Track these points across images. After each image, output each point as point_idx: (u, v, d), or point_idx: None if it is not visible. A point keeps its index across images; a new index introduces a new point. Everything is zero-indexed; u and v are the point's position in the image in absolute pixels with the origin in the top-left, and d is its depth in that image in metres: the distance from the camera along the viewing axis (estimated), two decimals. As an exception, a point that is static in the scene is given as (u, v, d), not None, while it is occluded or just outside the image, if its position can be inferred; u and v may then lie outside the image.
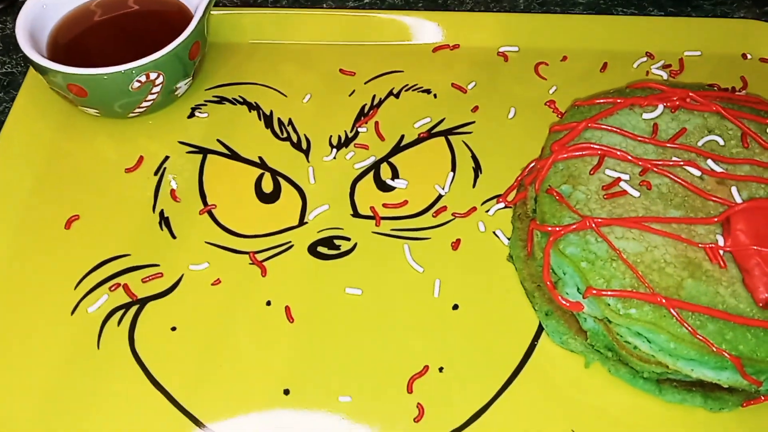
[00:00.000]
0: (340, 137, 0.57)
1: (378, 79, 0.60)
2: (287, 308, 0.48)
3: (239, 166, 0.55)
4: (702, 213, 0.45)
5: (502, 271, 0.50)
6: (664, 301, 0.41)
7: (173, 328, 0.47)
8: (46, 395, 0.45)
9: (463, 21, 0.63)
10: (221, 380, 0.45)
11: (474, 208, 0.53)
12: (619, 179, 0.46)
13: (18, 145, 0.56)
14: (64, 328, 0.47)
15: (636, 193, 0.45)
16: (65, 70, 0.52)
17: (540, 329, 0.47)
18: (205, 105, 0.59)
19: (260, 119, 0.58)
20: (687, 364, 0.42)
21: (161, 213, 0.53)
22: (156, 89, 0.55)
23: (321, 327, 0.47)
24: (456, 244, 0.51)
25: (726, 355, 0.40)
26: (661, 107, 0.49)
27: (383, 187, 0.54)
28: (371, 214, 0.52)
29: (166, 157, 0.56)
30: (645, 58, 0.61)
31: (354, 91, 0.60)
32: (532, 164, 0.53)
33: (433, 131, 0.57)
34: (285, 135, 0.57)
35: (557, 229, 0.45)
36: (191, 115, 0.58)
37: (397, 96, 0.59)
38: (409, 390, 0.45)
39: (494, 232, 0.52)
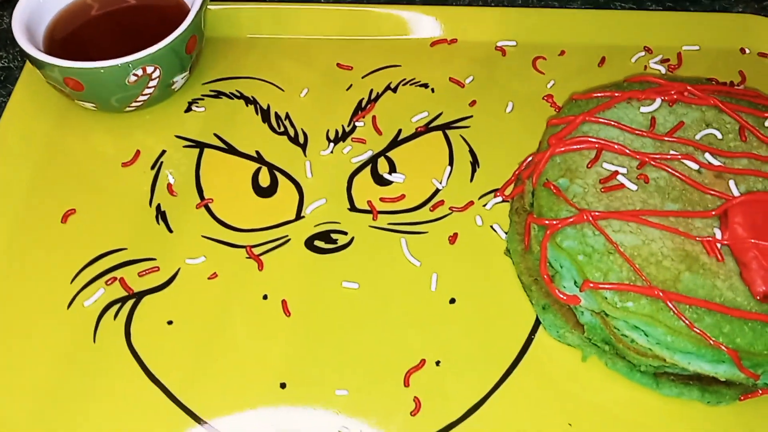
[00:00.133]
0: (337, 131, 0.57)
1: (375, 73, 0.60)
2: (284, 302, 0.48)
3: (236, 160, 0.55)
4: (699, 206, 0.45)
5: (500, 265, 0.50)
6: (661, 294, 0.41)
7: (170, 322, 0.47)
8: (42, 389, 0.45)
9: (461, 15, 0.63)
10: (217, 374, 0.45)
11: (471, 202, 0.53)
12: (616, 173, 0.46)
13: (15, 140, 0.56)
14: (60, 322, 0.47)
15: (633, 187, 0.45)
16: (62, 64, 0.52)
17: (537, 323, 0.47)
18: (202, 99, 0.59)
19: (257, 113, 0.58)
20: (684, 357, 0.42)
21: (158, 207, 0.52)
22: (153, 83, 0.54)
23: (318, 321, 0.47)
24: (453, 238, 0.51)
25: (723, 348, 0.40)
26: (658, 101, 0.49)
27: (380, 181, 0.54)
28: (368, 208, 0.52)
29: (163, 152, 0.55)
30: (643, 53, 0.61)
31: (351, 85, 0.59)
32: (530, 158, 0.53)
33: (430, 125, 0.57)
34: (282, 129, 0.57)
35: (554, 222, 0.44)
36: (188, 110, 0.58)
37: (394, 90, 0.59)
38: (406, 384, 0.45)
39: (491, 226, 0.51)
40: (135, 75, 0.53)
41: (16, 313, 0.47)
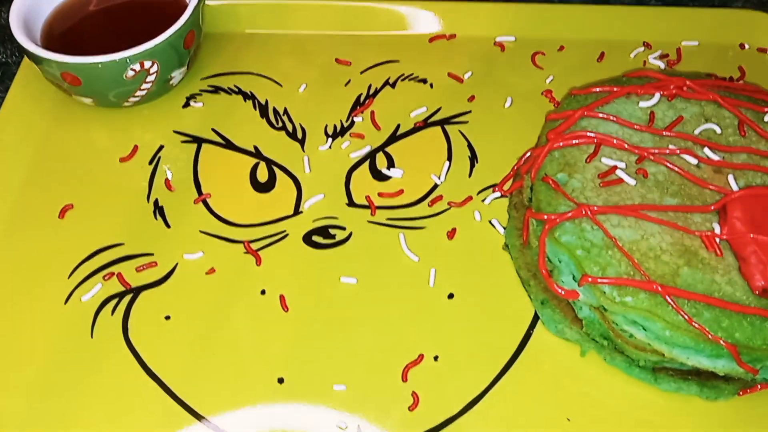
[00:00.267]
0: (335, 127, 0.56)
1: (374, 68, 0.60)
2: (282, 297, 0.48)
3: (234, 155, 0.55)
4: (698, 201, 0.45)
5: (498, 260, 0.50)
6: (659, 288, 0.41)
7: (167, 317, 0.47)
8: (40, 384, 0.44)
9: (460, 11, 0.63)
10: (215, 369, 0.45)
11: (470, 198, 0.53)
12: (615, 167, 0.46)
13: (12, 135, 0.56)
14: (57, 317, 0.47)
15: (632, 181, 0.45)
16: (59, 59, 0.52)
17: (535, 318, 0.47)
18: (200, 94, 0.59)
19: (255, 109, 0.58)
20: (683, 352, 0.42)
21: (156, 202, 0.52)
22: (150, 78, 0.54)
23: (316, 316, 0.47)
24: (451, 234, 0.51)
25: (722, 342, 0.40)
26: (657, 96, 0.49)
27: (379, 176, 0.54)
28: (366, 204, 0.52)
29: (161, 147, 0.55)
30: (642, 48, 0.61)
31: (350, 80, 0.59)
32: (528, 153, 0.53)
33: (429, 121, 0.57)
34: (280, 124, 0.57)
35: (553, 217, 0.44)
36: (186, 105, 0.58)
37: (393, 86, 0.59)
38: (404, 379, 0.45)
39: (490, 221, 0.51)
40: (133, 70, 0.53)
41: (13, 308, 0.47)
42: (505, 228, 0.51)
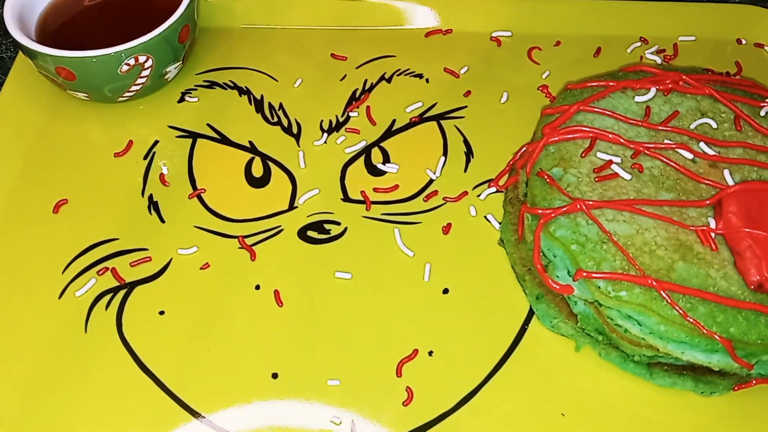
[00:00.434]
0: (331, 122, 0.56)
1: (370, 63, 0.60)
2: (276, 292, 0.48)
3: (229, 150, 0.55)
4: (694, 196, 0.44)
5: (493, 255, 0.50)
6: (654, 283, 0.41)
7: (161, 312, 0.47)
8: (33, 379, 0.44)
9: (457, 5, 0.63)
10: (209, 364, 0.45)
11: (465, 193, 0.52)
12: (610, 162, 0.45)
13: (7, 130, 0.56)
14: (51, 312, 0.47)
15: (627, 176, 0.45)
16: (54, 53, 0.51)
17: (530, 313, 0.47)
18: (196, 89, 0.58)
19: (251, 104, 0.57)
20: (677, 347, 0.41)
21: (150, 197, 0.52)
22: (145, 73, 0.54)
23: (310, 311, 0.47)
24: (447, 229, 0.51)
25: (716, 337, 0.40)
26: (653, 90, 0.49)
27: (374, 171, 0.54)
28: (362, 199, 0.52)
29: (156, 142, 0.55)
30: (639, 43, 0.61)
31: (345, 75, 0.59)
32: (524, 148, 0.52)
33: (424, 116, 0.57)
34: (275, 119, 0.56)
35: (548, 211, 0.44)
36: (181, 100, 0.58)
37: (389, 81, 0.59)
38: (399, 374, 0.45)
39: (485, 217, 0.51)
40: (127, 64, 0.53)
41: (7, 302, 0.47)
42: (500, 223, 0.51)
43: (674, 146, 0.46)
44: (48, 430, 0.43)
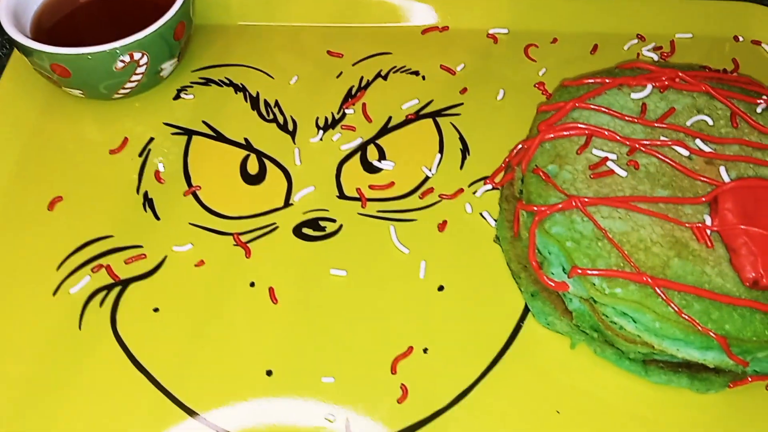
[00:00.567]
0: (326, 119, 0.56)
1: (366, 60, 0.60)
2: (271, 290, 0.48)
3: (224, 147, 0.55)
4: (690, 193, 0.44)
5: (489, 252, 0.49)
6: (649, 280, 0.40)
7: (156, 310, 0.47)
8: (27, 376, 0.44)
9: (453, 2, 0.63)
10: (203, 361, 0.45)
11: (461, 190, 0.52)
12: (606, 159, 0.45)
13: (2, 127, 0.55)
14: (45, 308, 0.47)
15: (623, 173, 0.45)
16: (48, 50, 0.51)
17: (526, 310, 0.47)
18: (191, 87, 0.58)
19: (246, 101, 0.57)
20: (672, 344, 0.41)
21: (145, 194, 0.52)
22: (140, 70, 0.54)
23: (305, 308, 0.47)
24: (442, 226, 0.50)
25: (712, 334, 0.40)
26: (649, 87, 0.49)
27: (370, 168, 0.54)
28: (357, 196, 0.52)
29: (151, 139, 0.55)
30: (636, 41, 0.61)
31: (341, 72, 0.59)
32: (520, 145, 0.52)
33: (420, 113, 0.57)
34: (271, 117, 0.56)
35: (543, 208, 0.44)
36: (177, 97, 0.58)
37: (385, 78, 0.59)
38: (393, 371, 0.44)
39: (481, 214, 0.51)
40: (122, 61, 0.52)
41: (1, 299, 0.47)
42: (496, 220, 0.51)
43: (670, 143, 0.46)
44: (41, 427, 0.43)
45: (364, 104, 0.57)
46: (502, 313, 0.47)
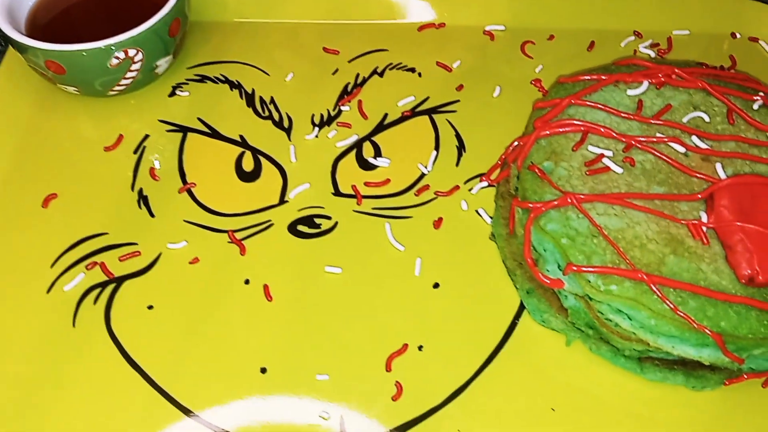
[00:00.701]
0: (322, 116, 0.56)
1: (362, 57, 0.60)
2: (266, 287, 0.47)
3: (220, 144, 0.54)
4: (686, 189, 0.44)
5: (484, 249, 0.49)
6: (645, 277, 0.40)
7: (150, 307, 0.47)
8: (21, 374, 0.44)
9: (450, -1, 0.63)
10: (198, 359, 0.45)
11: (457, 187, 0.52)
12: (602, 155, 0.45)
13: (-3, 124, 0.55)
14: (39, 306, 0.47)
15: (619, 170, 0.45)
16: (43, 47, 0.51)
17: (521, 308, 0.47)
18: (187, 84, 0.58)
19: (242, 98, 0.57)
20: (668, 341, 0.41)
21: (140, 191, 0.52)
22: (135, 66, 0.54)
23: (300, 306, 0.47)
24: (438, 223, 0.50)
25: (707, 331, 0.40)
26: (646, 84, 0.49)
27: (365, 165, 0.53)
28: (353, 193, 0.52)
29: (146, 136, 0.55)
30: (633, 37, 0.61)
31: (337, 69, 0.59)
32: (516, 142, 0.52)
33: (416, 110, 0.56)
34: (267, 113, 0.56)
35: (538, 205, 0.44)
36: (172, 94, 0.57)
37: (381, 75, 0.59)
38: (388, 368, 0.44)
39: (477, 211, 0.51)
40: (117, 58, 0.52)
41: (-5, 297, 0.47)
42: (491, 217, 0.50)
43: (666, 140, 0.46)
44: (34, 425, 0.42)
45: (359, 101, 0.57)
46: (498, 310, 0.47)
